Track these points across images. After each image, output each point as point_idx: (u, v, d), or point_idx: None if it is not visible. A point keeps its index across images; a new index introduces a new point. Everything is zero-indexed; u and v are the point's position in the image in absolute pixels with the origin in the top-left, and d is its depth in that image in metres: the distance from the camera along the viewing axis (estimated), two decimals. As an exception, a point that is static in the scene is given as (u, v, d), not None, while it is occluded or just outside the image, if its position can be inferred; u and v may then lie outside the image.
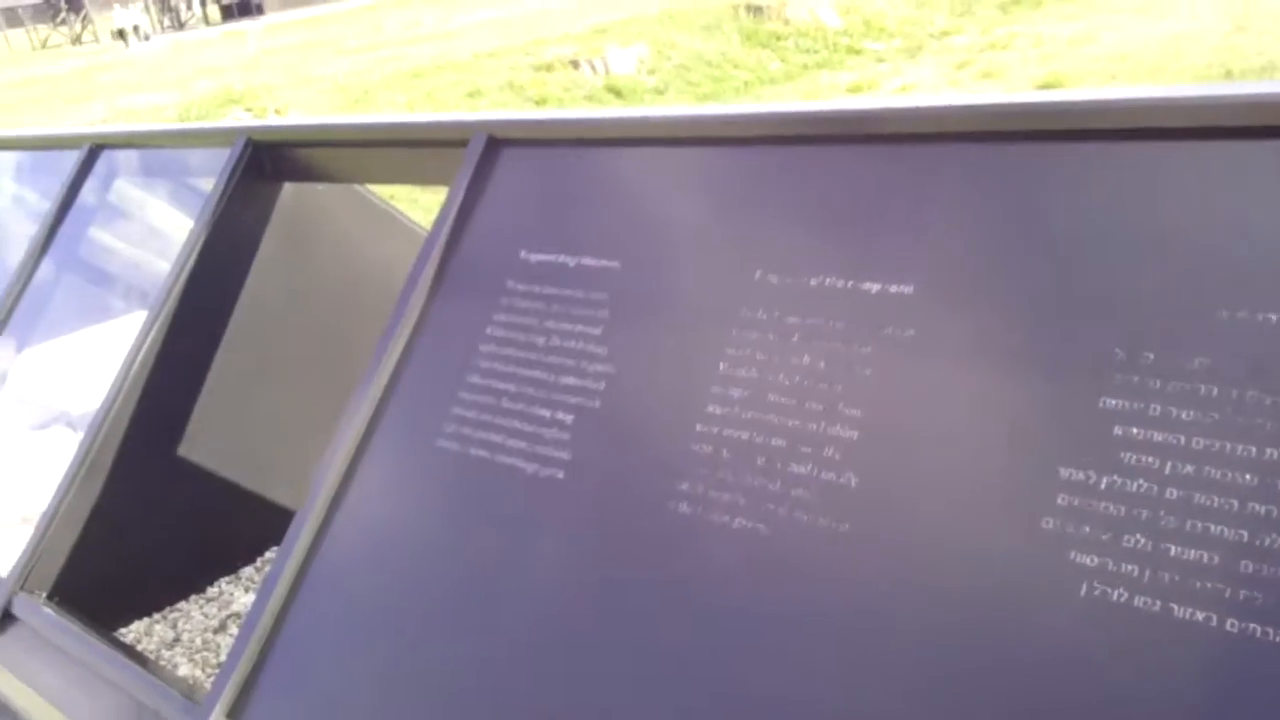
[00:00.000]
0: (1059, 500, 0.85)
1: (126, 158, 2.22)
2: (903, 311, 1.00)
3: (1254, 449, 0.79)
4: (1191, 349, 0.84)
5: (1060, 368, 0.89)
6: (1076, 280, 0.92)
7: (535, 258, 1.32)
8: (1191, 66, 8.67)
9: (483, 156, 1.44)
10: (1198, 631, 0.76)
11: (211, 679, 1.92)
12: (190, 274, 1.82)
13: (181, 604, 2.40)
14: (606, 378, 1.18)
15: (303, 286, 2.27)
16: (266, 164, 1.87)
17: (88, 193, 2.19)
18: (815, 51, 12.25)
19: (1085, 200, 0.95)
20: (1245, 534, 0.77)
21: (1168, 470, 0.82)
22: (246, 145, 1.83)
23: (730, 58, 11.97)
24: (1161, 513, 0.81)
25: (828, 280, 1.07)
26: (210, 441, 2.16)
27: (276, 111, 10.61)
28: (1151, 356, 0.86)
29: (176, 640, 2.31)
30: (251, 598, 2.32)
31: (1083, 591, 0.81)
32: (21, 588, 1.68)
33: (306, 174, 1.91)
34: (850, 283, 1.05)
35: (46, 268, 2.16)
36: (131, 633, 2.30)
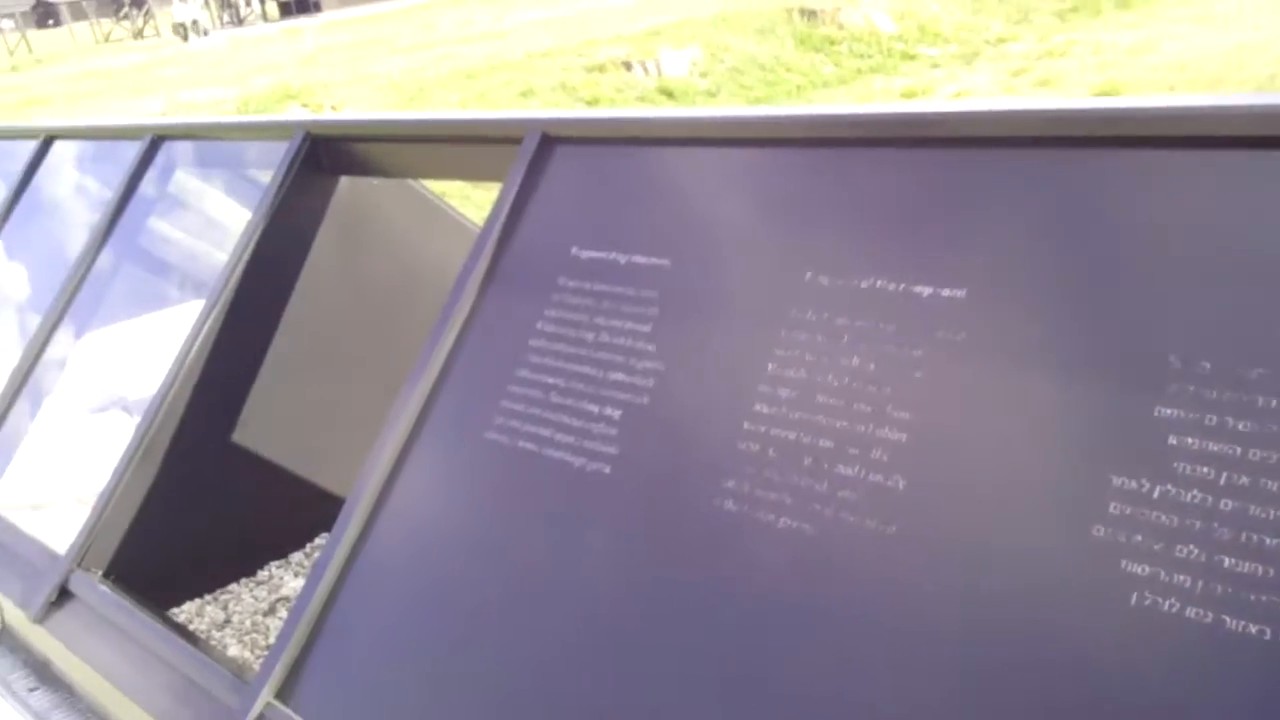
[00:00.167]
0: (1111, 508, 0.84)
1: (187, 149, 2.27)
2: (954, 315, 1.00)
3: (1313, 462, 0.78)
4: (1250, 359, 0.83)
5: (1114, 375, 0.89)
6: (1132, 288, 0.91)
7: (586, 255, 1.33)
8: (1254, 78, 8.46)
9: (536, 154, 1.45)
10: (1250, 645, 0.75)
11: (260, 660, 1.96)
12: (247, 264, 1.85)
13: (232, 586, 2.45)
14: (655, 375, 1.18)
15: (356, 279, 2.31)
16: (324, 158, 1.91)
17: (148, 183, 2.24)
18: (869, 56, 12.15)
19: (1142, 207, 0.94)
20: (1302, 548, 0.76)
21: (1223, 481, 0.81)
22: (305, 139, 1.86)
23: (783, 61, 11.91)
24: (1216, 524, 0.80)
25: (879, 282, 1.06)
26: (262, 428, 2.20)
27: (333, 108, 10.74)
28: (1208, 366, 0.85)
29: (227, 621, 2.36)
30: (300, 583, 2.36)
31: (1133, 601, 0.80)
32: (79, 565, 1.73)
33: (363, 168, 1.94)
34: (902, 285, 1.05)
35: (107, 256, 2.21)
36: (183, 613, 2.35)
